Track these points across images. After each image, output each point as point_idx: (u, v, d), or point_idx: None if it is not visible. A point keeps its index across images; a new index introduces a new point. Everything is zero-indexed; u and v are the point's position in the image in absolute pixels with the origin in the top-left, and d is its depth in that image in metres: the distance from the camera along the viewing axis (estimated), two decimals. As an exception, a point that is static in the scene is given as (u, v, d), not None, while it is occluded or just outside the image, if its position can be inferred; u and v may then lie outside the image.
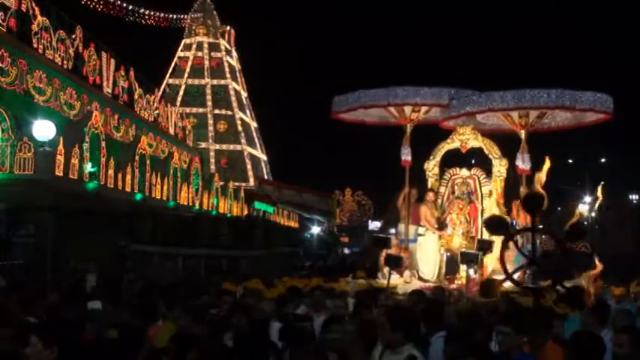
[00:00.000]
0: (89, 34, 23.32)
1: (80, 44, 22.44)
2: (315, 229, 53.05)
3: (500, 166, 14.49)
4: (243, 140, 49.20)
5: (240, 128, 49.41)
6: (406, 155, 15.08)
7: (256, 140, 52.33)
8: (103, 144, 21.69)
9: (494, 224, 6.45)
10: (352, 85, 15.61)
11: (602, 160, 44.44)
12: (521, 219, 13.62)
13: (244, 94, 52.86)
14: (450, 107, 14.50)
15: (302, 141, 64.24)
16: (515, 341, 4.79)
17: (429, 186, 15.13)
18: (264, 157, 53.29)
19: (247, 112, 52.19)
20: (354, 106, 15.20)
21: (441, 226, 14.48)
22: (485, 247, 13.17)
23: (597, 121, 14.92)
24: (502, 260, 6.86)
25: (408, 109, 15.00)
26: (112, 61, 24.71)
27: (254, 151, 50.84)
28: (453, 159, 15.40)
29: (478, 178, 14.61)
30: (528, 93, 13.28)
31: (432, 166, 15.20)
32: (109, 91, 24.57)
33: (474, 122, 15.20)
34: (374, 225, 54.98)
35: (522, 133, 14.03)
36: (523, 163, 13.90)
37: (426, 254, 14.18)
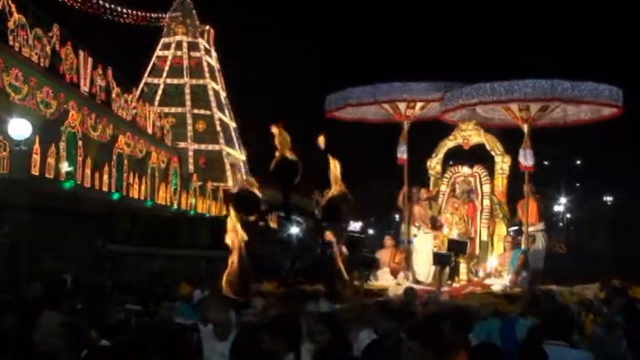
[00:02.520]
0: (66, 32, 23.12)
1: (57, 42, 22.23)
2: (294, 230, 53.02)
3: (502, 163, 13.88)
4: (221, 140, 49.05)
5: (219, 128, 49.25)
6: (402, 153, 14.37)
7: (235, 140, 52.19)
8: (80, 143, 21.52)
9: (243, 200, 4.59)
10: (336, 84, 15.07)
11: (578, 162, 44.96)
12: (525, 218, 13.16)
13: (223, 94, 52.70)
14: (444, 101, 13.74)
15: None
16: (421, 357, 4.05)
17: (431, 185, 14.59)
18: (242, 157, 53.16)
19: (226, 112, 52.04)
20: (342, 105, 14.67)
21: (436, 226, 13.85)
22: (457, 248, 12.83)
23: (610, 116, 13.88)
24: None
25: (402, 106, 14.34)
26: (90, 59, 24.51)
27: (233, 151, 50.70)
28: (457, 156, 14.82)
29: (479, 175, 13.98)
30: (518, 84, 12.35)
31: (434, 164, 14.64)
32: (87, 89, 24.37)
33: (479, 117, 14.41)
34: (354, 226, 55.09)
35: (525, 128, 13.12)
36: (525, 160, 13.03)
37: (421, 255, 13.63)
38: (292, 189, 3.69)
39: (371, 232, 57.91)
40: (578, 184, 43.97)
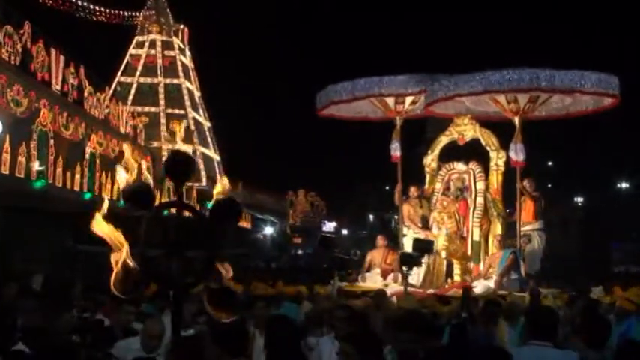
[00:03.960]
0: (38, 29, 22.80)
1: (29, 40, 21.91)
2: (269, 230, 52.96)
3: (497, 159, 13.12)
4: (195, 140, 48.79)
5: (192, 128, 48.98)
6: (395, 150, 13.91)
7: (209, 140, 51.95)
8: (52, 142, 21.25)
9: (133, 194, 4.11)
10: (311, 84, 14.79)
11: (549, 163, 45.54)
12: (524, 217, 12.72)
13: (198, 94, 52.42)
14: (427, 95, 13.15)
15: (256, 142, 63.98)
16: None
17: (427, 183, 13.91)
18: (217, 157, 52.94)
19: (200, 111, 51.78)
20: (326, 103, 14.18)
21: (427, 225, 13.24)
22: (423, 247, 12.02)
23: (606, 107, 13.28)
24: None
25: (390, 101, 13.79)
26: (62, 57, 24.20)
27: (207, 151, 50.47)
28: (453, 153, 14.11)
29: (473, 172, 13.27)
30: (495, 74, 11.78)
31: (429, 162, 13.99)
32: (58, 88, 24.06)
33: (472, 111, 13.80)
34: (328, 226, 55.21)
35: (516, 121, 12.58)
36: (516, 155, 12.52)
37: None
38: (183, 184, 3.41)
39: (345, 232, 58.14)
40: (549, 186, 44.58)
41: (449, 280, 12.77)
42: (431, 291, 11.99)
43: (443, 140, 13.98)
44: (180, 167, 4.22)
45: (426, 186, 14.02)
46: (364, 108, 14.88)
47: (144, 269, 3.79)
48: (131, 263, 3.78)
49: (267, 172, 54.67)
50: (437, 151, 14.03)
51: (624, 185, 45.23)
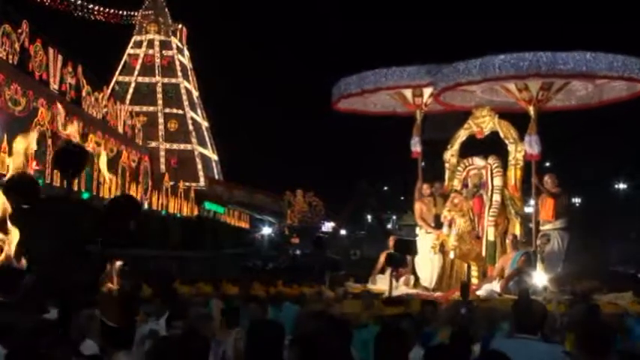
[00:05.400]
0: (36, 28, 22.75)
1: (26, 39, 21.87)
2: (267, 230, 52.92)
3: (516, 152, 12.11)
4: (194, 140, 48.74)
5: (191, 127, 48.93)
6: (416, 146, 13.25)
7: (207, 140, 51.91)
8: (50, 142, 21.19)
9: (16, 184, 3.60)
10: (311, 83, 14.52)
11: (547, 164, 45.46)
12: (541, 216, 11.95)
13: (196, 94, 52.37)
14: (435, 86, 12.33)
15: (254, 142, 63.93)
16: None
17: (447, 179, 13.02)
18: (215, 157, 52.89)
19: (199, 111, 51.73)
20: (337, 98, 13.61)
21: (439, 224, 12.31)
22: (404, 248, 11.45)
23: (630, 96, 12.27)
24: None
25: (408, 94, 13.08)
26: (60, 56, 24.15)
27: (205, 151, 50.42)
28: (473, 147, 13.16)
29: (491, 167, 12.31)
30: (491, 60, 10.92)
31: (448, 157, 13.10)
32: (56, 87, 24.01)
33: (488, 102, 12.86)
34: (328, 226, 55.17)
35: (531, 111, 11.60)
36: (530, 147, 11.60)
37: (423, 258, 12.22)
38: (75, 177, 3.15)
39: (343, 232, 58.12)
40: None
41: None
42: (439, 293, 11.39)
43: (462, 134, 13.03)
44: (70, 158, 3.84)
45: (446, 183, 13.11)
46: (383, 102, 14.13)
47: (31, 265, 3.58)
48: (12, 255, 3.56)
49: (265, 171, 54.78)
50: (456, 146, 13.06)
51: (622, 186, 45.23)
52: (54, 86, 23.84)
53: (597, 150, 39.31)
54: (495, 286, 11.09)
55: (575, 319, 6.49)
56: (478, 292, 10.99)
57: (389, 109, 14.44)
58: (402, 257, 11.32)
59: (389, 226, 62.27)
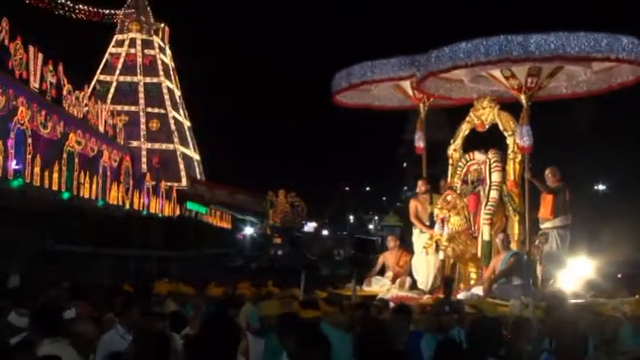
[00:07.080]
0: (16, 26, 22.55)
1: (6, 37, 21.67)
2: (249, 230, 52.85)
3: (514, 145, 11.32)
4: (176, 139, 48.55)
5: (173, 127, 48.74)
6: (419, 141, 12.71)
7: (189, 140, 51.74)
8: (29, 141, 21.02)
9: None
10: (293, 84, 14.46)
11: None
12: (540, 213, 11.21)
13: (178, 93, 52.17)
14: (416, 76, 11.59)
15: (236, 142, 63.84)
16: None
17: (449, 176, 12.31)
18: (197, 157, 52.73)
19: (181, 111, 51.54)
20: (335, 91, 13.05)
21: (434, 223, 11.52)
22: (362, 247, 11.14)
23: (636, 79, 11.35)
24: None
25: (408, 87, 12.53)
26: (40, 55, 23.95)
27: (187, 151, 50.25)
28: (475, 140, 12.34)
29: (489, 162, 11.54)
30: (461, 46, 10.19)
31: (452, 152, 12.45)
32: (37, 86, 23.81)
33: (485, 93, 12.10)
34: (310, 226, 55.19)
35: (522, 99, 10.90)
36: (522, 139, 10.86)
37: (418, 259, 11.57)
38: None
39: (325, 232, 58.19)
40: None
41: (461, 286, 11.30)
42: (428, 296, 10.82)
43: (464, 127, 12.29)
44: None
45: (449, 179, 12.39)
46: (384, 95, 13.54)
47: None
48: None
49: (248, 172, 54.77)
50: (459, 140, 12.33)
51: (601, 187, 45.64)
52: (34, 85, 23.63)
53: (576, 152, 39.64)
54: (478, 289, 10.43)
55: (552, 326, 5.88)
56: (459, 296, 10.44)
57: (394, 104, 13.87)
58: (364, 257, 10.91)
59: (370, 226, 62.57)
